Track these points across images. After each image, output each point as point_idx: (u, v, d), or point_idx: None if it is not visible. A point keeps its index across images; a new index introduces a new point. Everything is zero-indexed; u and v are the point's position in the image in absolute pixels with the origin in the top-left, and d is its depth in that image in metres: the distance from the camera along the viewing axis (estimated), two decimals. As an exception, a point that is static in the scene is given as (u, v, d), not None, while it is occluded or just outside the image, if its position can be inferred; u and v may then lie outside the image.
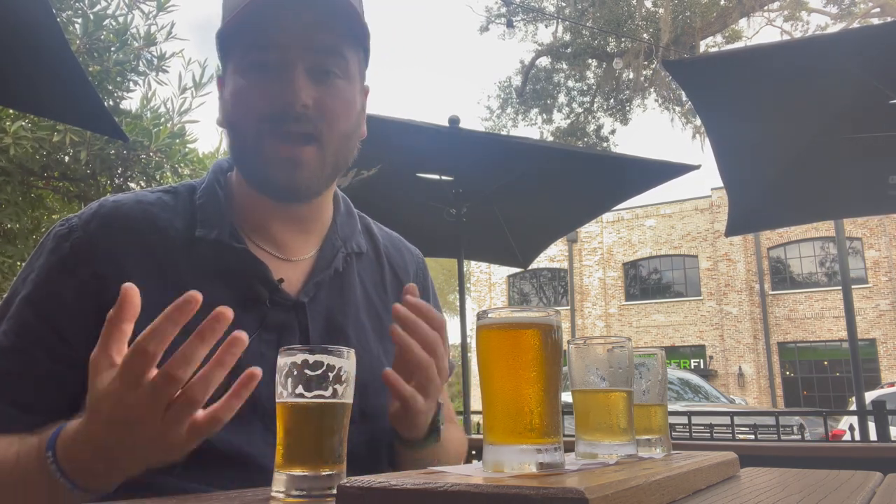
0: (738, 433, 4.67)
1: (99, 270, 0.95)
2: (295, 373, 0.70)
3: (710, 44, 20.07)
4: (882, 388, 11.22)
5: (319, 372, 0.70)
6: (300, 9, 0.96)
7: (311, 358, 0.70)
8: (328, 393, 0.70)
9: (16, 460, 0.81)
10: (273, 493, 0.69)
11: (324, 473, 0.69)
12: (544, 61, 22.32)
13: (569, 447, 0.81)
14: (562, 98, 22.55)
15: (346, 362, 0.72)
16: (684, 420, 3.94)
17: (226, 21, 1.00)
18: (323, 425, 0.70)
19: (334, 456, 0.71)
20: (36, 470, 0.78)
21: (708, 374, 22.43)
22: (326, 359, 0.71)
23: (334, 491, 0.67)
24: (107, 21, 5.44)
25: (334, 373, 0.71)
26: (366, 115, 1.12)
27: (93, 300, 0.94)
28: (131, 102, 7.80)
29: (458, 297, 5.47)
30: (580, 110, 22.59)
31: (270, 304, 1.01)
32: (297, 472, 0.69)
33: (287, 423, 0.71)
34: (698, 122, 17.17)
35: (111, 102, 5.57)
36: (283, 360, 0.72)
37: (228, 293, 0.98)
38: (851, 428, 4.12)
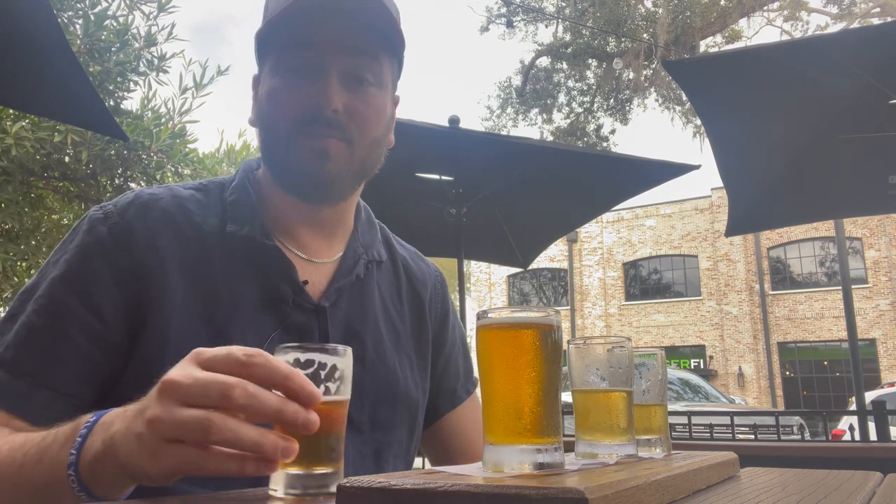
0: (738, 433, 4.66)
1: (137, 258, 0.94)
2: None
3: (710, 44, 20.09)
4: (882, 388, 11.21)
5: (311, 370, 0.70)
6: (339, 12, 0.97)
7: (303, 356, 0.70)
8: (321, 391, 0.70)
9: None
10: (269, 492, 0.69)
11: (320, 472, 0.69)
12: (544, 61, 22.35)
13: (569, 447, 0.80)
14: (562, 98, 22.58)
15: (339, 359, 0.72)
16: (684, 420, 3.93)
17: (265, 21, 1.01)
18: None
19: (331, 454, 0.71)
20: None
21: (708, 374, 22.43)
22: (318, 357, 0.70)
23: (331, 489, 0.67)
24: (107, 22, 5.44)
25: (326, 370, 0.70)
26: (394, 125, 1.12)
27: (130, 288, 0.93)
28: (132, 103, 7.80)
29: (458, 297, 5.47)
30: (580, 110, 22.61)
31: (293, 306, 1.01)
32: (293, 470, 0.68)
33: None
34: (698, 122, 17.16)
35: (112, 103, 5.57)
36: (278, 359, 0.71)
37: (254, 290, 1.00)
38: (851, 428, 4.12)
